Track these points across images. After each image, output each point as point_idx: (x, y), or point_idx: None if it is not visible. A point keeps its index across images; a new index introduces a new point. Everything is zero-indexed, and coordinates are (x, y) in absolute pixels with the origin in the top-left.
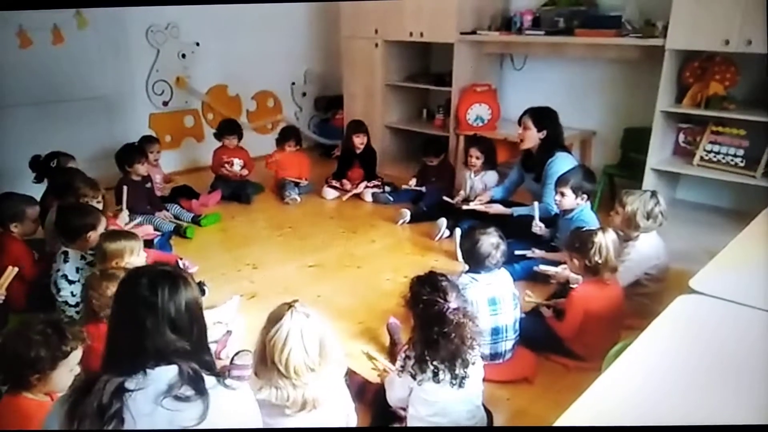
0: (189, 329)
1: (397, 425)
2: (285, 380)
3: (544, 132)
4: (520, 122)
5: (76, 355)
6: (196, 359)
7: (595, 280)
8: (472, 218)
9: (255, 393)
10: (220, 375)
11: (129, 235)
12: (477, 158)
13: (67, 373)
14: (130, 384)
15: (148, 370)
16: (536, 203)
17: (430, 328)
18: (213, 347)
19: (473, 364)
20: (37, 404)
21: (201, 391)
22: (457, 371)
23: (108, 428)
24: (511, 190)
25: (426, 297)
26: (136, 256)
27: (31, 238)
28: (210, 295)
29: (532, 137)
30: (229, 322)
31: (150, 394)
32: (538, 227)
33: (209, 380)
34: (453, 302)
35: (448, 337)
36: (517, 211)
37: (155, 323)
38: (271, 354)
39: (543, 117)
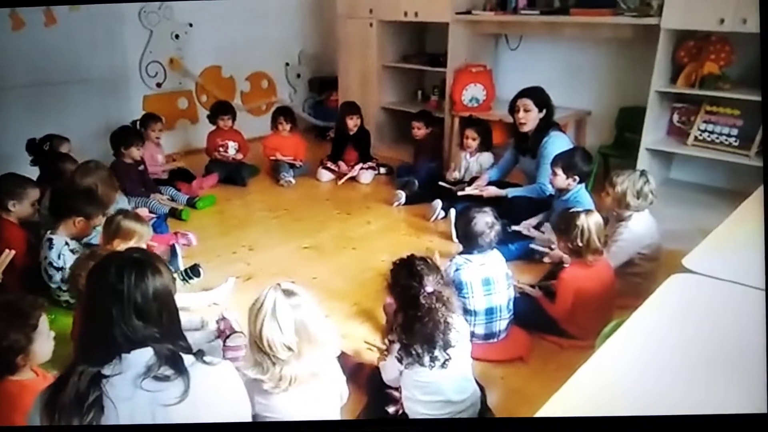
0: (157, 317)
1: (392, 408)
2: (263, 355)
3: (544, 111)
4: (513, 106)
5: (44, 320)
6: (170, 345)
7: (581, 261)
8: (468, 200)
9: (248, 369)
10: (197, 353)
11: (145, 223)
12: (473, 140)
13: (45, 341)
14: (106, 370)
15: (123, 355)
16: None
17: (405, 312)
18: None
19: (454, 346)
20: (20, 384)
21: (180, 369)
22: (436, 353)
23: (88, 417)
24: (505, 172)
25: (402, 281)
26: (143, 245)
27: (28, 222)
28: (205, 277)
29: (535, 118)
30: (224, 304)
31: (128, 378)
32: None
33: (187, 358)
34: (428, 286)
35: (422, 321)
36: (512, 192)
37: (121, 311)
38: (250, 326)
39: (541, 96)
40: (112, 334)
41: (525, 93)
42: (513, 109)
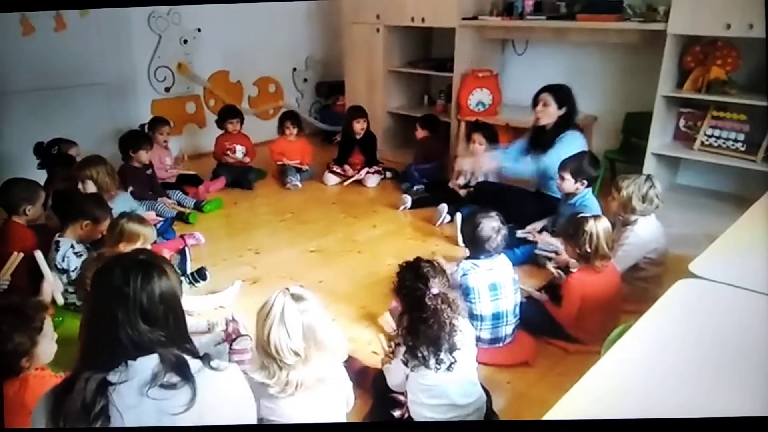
0: (164, 320)
1: (398, 412)
2: (270, 359)
3: (564, 109)
4: (536, 100)
5: (48, 322)
6: (176, 349)
7: (589, 266)
8: (473, 204)
9: (254, 373)
10: (204, 358)
11: (149, 225)
12: (480, 144)
13: (48, 342)
14: (112, 378)
15: (129, 362)
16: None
17: (411, 314)
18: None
19: (459, 349)
20: (23, 379)
21: (187, 376)
22: (441, 356)
23: (94, 426)
24: (511, 156)
25: (408, 283)
26: (147, 247)
27: (36, 224)
28: (212, 280)
29: (552, 114)
30: (230, 307)
31: (134, 386)
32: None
33: (194, 364)
34: (434, 288)
35: (427, 322)
36: (503, 157)
37: (127, 314)
38: (258, 330)
39: (564, 94)
40: (117, 338)
41: (547, 88)
42: (535, 103)
